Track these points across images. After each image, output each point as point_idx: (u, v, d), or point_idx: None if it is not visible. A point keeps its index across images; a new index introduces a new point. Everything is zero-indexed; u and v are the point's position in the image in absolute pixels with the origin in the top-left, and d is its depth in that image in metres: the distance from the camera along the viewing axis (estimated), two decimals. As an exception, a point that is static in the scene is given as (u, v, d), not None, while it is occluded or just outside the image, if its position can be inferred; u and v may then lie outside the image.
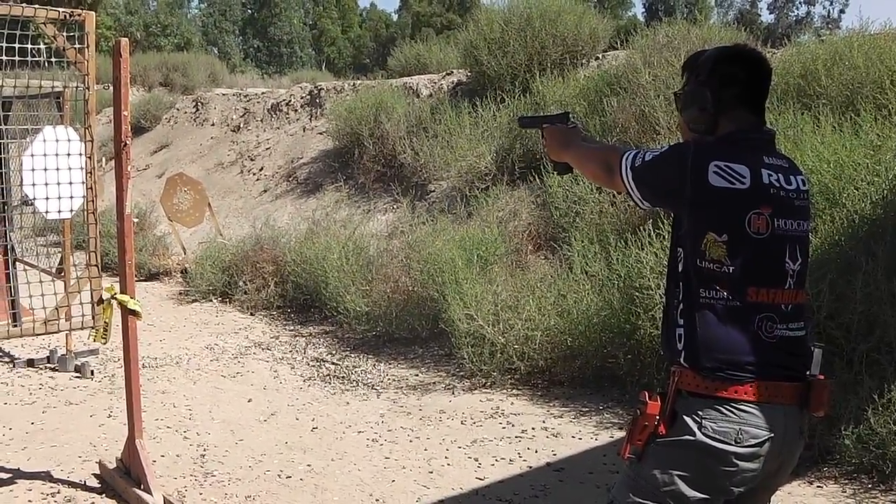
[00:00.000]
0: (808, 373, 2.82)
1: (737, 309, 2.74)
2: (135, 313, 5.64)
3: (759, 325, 2.74)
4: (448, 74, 16.22)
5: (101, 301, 5.77)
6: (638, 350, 7.17)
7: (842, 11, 69.54)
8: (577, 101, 11.44)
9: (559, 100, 11.85)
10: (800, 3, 71.63)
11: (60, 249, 8.57)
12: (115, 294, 5.63)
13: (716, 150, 2.79)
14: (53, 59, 5.98)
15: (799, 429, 2.83)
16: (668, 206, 3.02)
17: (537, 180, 10.61)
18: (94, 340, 5.90)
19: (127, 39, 5.56)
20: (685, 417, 2.76)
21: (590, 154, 3.22)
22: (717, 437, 2.70)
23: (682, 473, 2.76)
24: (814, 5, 71.02)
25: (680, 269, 2.85)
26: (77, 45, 5.63)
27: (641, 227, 7.75)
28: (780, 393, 2.73)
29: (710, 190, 2.71)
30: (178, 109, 22.39)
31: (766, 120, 3.01)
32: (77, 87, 5.86)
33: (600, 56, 14.19)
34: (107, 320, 5.74)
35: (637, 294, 7.21)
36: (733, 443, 2.69)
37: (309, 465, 6.24)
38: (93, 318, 5.86)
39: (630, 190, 2.93)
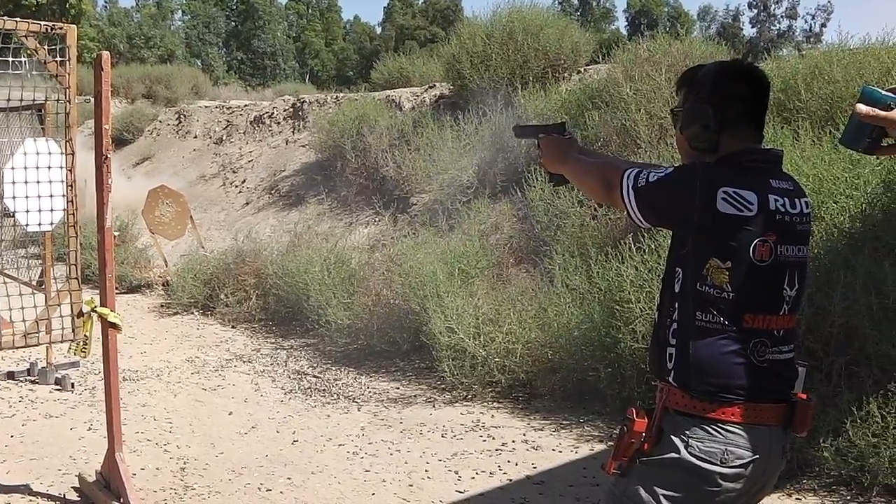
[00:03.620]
0: (791, 392, 2.82)
1: (731, 334, 2.71)
2: (115, 326, 5.62)
3: (752, 350, 2.72)
4: (431, 87, 16.26)
5: (81, 314, 5.76)
6: (618, 363, 7.17)
7: (823, 26, 69.82)
8: (558, 115, 11.45)
9: (541, 113, 11.86)
10: (782, 17, 71.92)
11: (41, 262, 8.55)
12: (96, 307, 5.62)
13: (724, 175, 2.73)
14: (35, 72, 6.00)
15: (782, 448, 2.82)
16: (672, 228, 2.95)
17: (519, 193, 10.63)
18: (74, 353, 5.89)
19: (108, 53, 5.54)
20: (672, 436, 2.75)
21: (588, 169, 3.12)
22: (703, 456, 2.69)
23: (665, 492, 2.75)
24: (795, 19, 71.30)
25: (677, 289, 2.82)
26: (58, 59, 5.64)
27: (622, 241, 7.75)
28: (766, 414, 2.73)
29: (719, 217, 2.66)
30: (160, 122, 22.42)
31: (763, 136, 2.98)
32: (58, 100, 5.87)
33: (582, 70, 14.26)
34: (87, 333, 5.73)
35: (617, 308, 7.22)
36: (719, 463, 2.68)
37: (289, 479, 6.23)
38: (73, 330, 5.85)
39: (630, 209, 2.85)
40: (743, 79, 2.90)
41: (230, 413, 7.80)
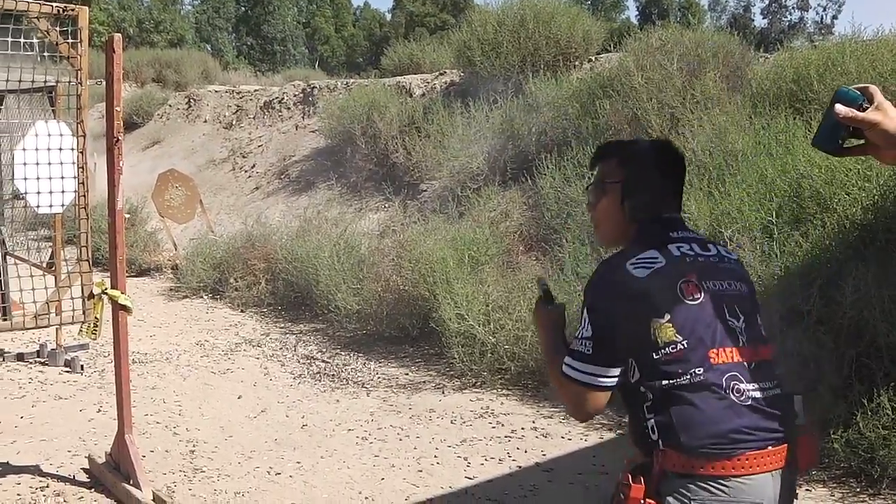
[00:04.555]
0: (793, 425, 2.70)
1: (703, 380, 2.61)
2: (125, 308, 5.63)
3: (728, 388, 2.61)
4: (441, 74, 16.25)
5: (91, 296, 5.77)
6: (628, 352, 7.15)
7: (835, 17, 69.63)
8: (569, 103, 11.45)
9: (552, 101, 11.86)
10: (793, 8, 71.69)
11: (51, 244, 8.56)
12: (106, 289, 5.63)
13: (623, 255, 2.74)
14: (46, 54, 5.99)
15: (789, 488, 2.71)
16: (631, 339, 2.70)
17: (529, 181, 10.62)
18: (85, 335, 5.90)
19: (120, 35, 5.56)
20: (671, 499, 2.63)
21: (558, 381, 2.85)
22: None
23: None
24: (807, 11, 71.06)
25: (637, 376, 2.68)
26: (70, 40, 5.64)
27: (633, 229, 7.73)
28: (766, 461, 2.61)
29: (639, 281, 2.65)
30: (170, 106, 22.44)
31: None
32: (70, 83, 5.86)
33: (593, 58, 14.21)
34: (97, 315, 5.74)
35: (628, 295, 7.19)
36: None
37: (298, 463, 6.25)
38: (83, 312, 5.86)
39: (602, 381, 2.69)
40: (675, 154, 2.98)
41: (239, 397, 7.82)
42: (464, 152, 12.24)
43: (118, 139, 5.53)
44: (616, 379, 2.69)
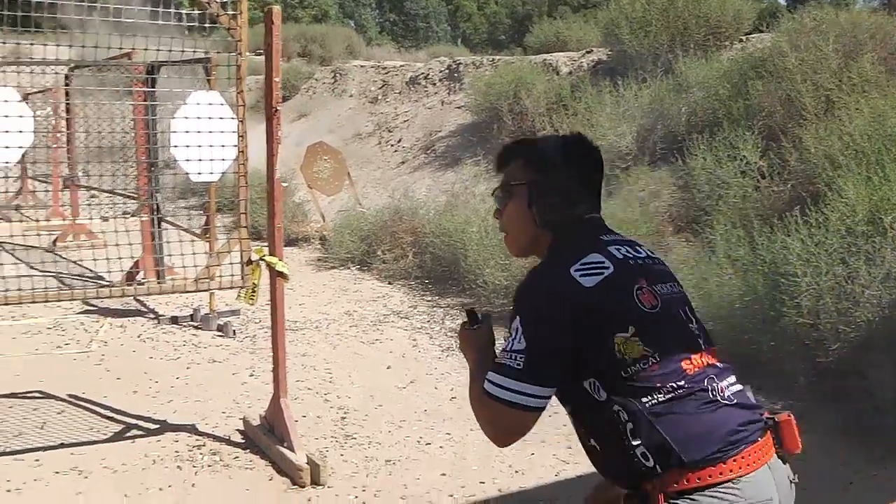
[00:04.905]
0: (765, 415, 2.57)
1: (686, 389, 2.45)
2: (282, 275, 5.74)
3: (711, 390, 2.46)
4: (588, 52, 16.15)
5: (250, 262, 5.88)
6: (782, 337, 7.01)
7: None
8: (720, 84, 11.28)
9: (702, 81, 11.72)
10: (951, -10, 69.47)
11: (202, 211, 8.77)
12: (265, 255, 5.74)
13: (563, 258, 2.54)
14: (207, 25, 6.12)
15: (788, 478, 2.57)
16: (592, 357, 2.50)
17: (679, 161, 10.47)
18: (243, 301, 6.02)
19: (279, 7, 5.66)
20: None
21: (474, 386, 2.64)
22: None
23: None
24: (966, -7, 68.78)
25: (602, 396, 2.46)
26: (230, 12, 5.77)
27: (788, 213, 7.57)
28: (760, 454, 2.47)
29: (589, 291, 2.45)
30: (316, 80, 22.72)
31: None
32: (230, 53, 5.99)
33: (744, 38, 13.97)
34: (255, 281, 5.86)
35: (782, 281, 7.04)
36: None
37: (448, 434, 6.30)
38: (242, 278, 5.98)
39: (523, 406, 2.47)
40: (588, 150, 2.78)
41: (388, 367, 7.91)
42: (612, 131, 12.14)
43: (277, 109, 5.63)
44: (546, 401, 2.49)
